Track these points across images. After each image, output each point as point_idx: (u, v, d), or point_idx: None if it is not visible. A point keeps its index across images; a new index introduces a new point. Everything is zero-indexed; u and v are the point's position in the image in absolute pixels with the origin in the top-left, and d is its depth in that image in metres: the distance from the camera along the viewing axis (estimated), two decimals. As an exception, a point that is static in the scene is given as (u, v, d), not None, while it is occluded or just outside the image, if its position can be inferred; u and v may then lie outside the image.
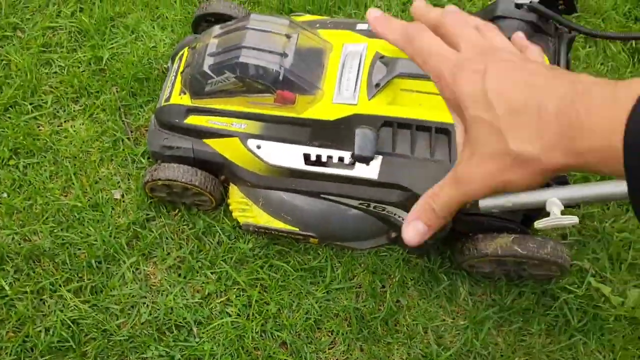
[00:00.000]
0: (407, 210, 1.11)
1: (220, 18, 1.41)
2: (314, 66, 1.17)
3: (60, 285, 1.24)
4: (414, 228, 0.47)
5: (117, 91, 1.42)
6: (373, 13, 0.52)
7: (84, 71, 1.46)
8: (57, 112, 1.42)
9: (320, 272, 1.30)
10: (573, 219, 0.75)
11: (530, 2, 1.21)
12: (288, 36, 1.15)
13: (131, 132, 1.40)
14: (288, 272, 1.29)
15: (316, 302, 1.27)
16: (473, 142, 0.42)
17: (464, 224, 1.22)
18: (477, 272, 1.31)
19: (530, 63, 0.42)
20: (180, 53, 1.34)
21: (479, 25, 0.48)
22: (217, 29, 1.22)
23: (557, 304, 1.30)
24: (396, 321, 1.27)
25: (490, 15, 1.23)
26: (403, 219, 1.22)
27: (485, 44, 0.45)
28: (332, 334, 1.26)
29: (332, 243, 1.32)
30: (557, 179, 1.07)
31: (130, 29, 1.50)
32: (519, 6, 1.22)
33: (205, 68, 1.16)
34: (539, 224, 0.82)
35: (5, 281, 1.23)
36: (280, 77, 1.12)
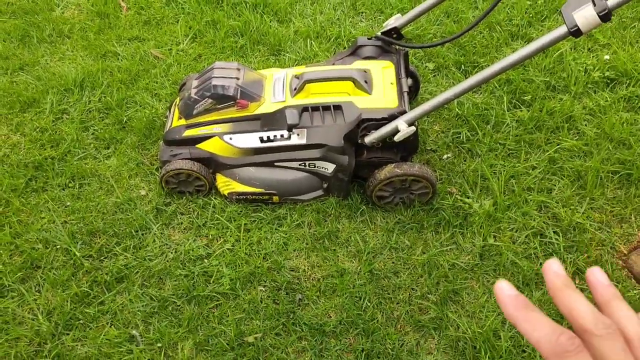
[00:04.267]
0: (326, 160, 1.90)
1: (196, 84, 2.27)
2: (257, 85, 2.01)
3: (113, 246, 1.92)
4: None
5: (135, 137, 2.21)
6: (507, 292, 0.47)
7: (111, 130, 2.25)
8: (96, 156, 2.19)
9: (283, 218, 2.02)
10: (412, 129, 1.66)
11: (376, 35, 2.12)
12: (238, 69, 2.00)
13: (146, 158, 2.17)
14: (262, 219, 2.00)
15: (284, 234, 1.97)
16: None
17: (366, 167, 1.98)
18: (383, 202, 2.04)
19: None
20: (173, 104, 2.17)
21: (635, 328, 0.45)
22: (195, 76, 2.07)
23: (439, 213, 2.02)
24: (336, 237, 1.97)
25: (355, 46, 2.13)
26: (327, 169, 1.98)
27: None
28: (295, 250, 1.94)
29: (287, 199, 2.05)
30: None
31: (139, 103, 2.34)
32: (370, 38, 2.12)
33: (193, 95, 1.98)
34: (397, 137, 1.73)
35: (75, 249, 1.90)
36: (238, 91, 1.94)
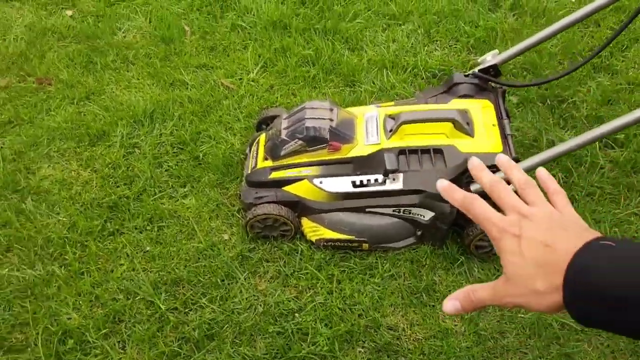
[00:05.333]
0: (424, 207, 1.76)
1: (275, 118, 2.13)
2: (349, 126, 1.88)
3: (199, 298, 1.79)
4: (453, 305, 0.65)
5: (213, 175, 2.09)
6: (441, 184, 0.71)
7: (186, 167, 2.12)
8: (173, 195, 2.06)
9: (374, 267, 1.88)
10: None
11: (473, 72, 1.98)
12: (331, 109, 1.87)
13: (226, 199, 2.04)
14: (352, 269, 1.87)
15: (377, 286, 1.83)
16: (510, 276, 0.62)
17: (464, 214, 1.84)
18: (481, 252, 1.90)
19: (554, 229, 0.62)
20: (255, 141, 2.04)
21: (521, 183, 0.68)
22: (284, 115, 1.94)
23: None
24: (434, 290, 1.83)
25: (450, 83, 1.99)
26: (423, 216, 1.84)
27: (523, 210, 0.64)
28: (391, 305, 1.80)
29: (378, 246, 1.91)
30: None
31: (213, 137, 2.21)
32: (467, 76, 1.98)
33: (283, 136, 1.85)
34: (511, 187, 1.56)
35: (160, 301, 1.77)
36: (331, 133, 1.81)
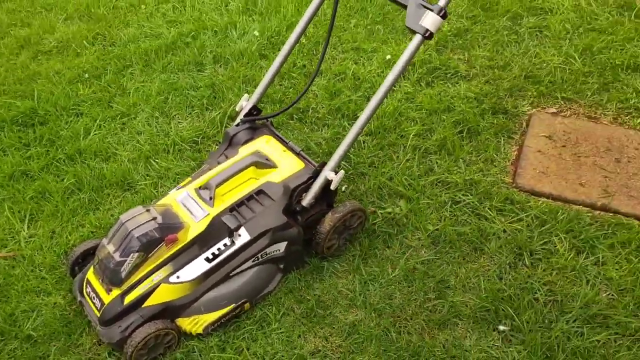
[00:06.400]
0: (276, 242, 1.93)
1: (87, 254, 2.04)
2: (172, 215, 1.93)
3: None
4: None
5: (57, 342, 1.90)
6: None
7: (22, 355, 1.89)
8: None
9: (266, 317, 1.97)
10: (342, 173, 1.80)
11: (241, 119, 2.21)
12: (147, 210, 1.89)
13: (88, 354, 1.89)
14: (249, 330, 1.93)
15: (278, 330, 1.93)
16: None
17: (308, 228, 2.05)
18: (334, 251, 2.14)
19: None
20: (84, 283, 1.93)
21: None
22: (105, 240, 1.88)
23: (379, 233, 2.20)
24: (322, 302, 2.01)
25: (228, 138, 2.18)
26: (279, 250, 2.00)
27: None
28: (299, 336, 1.92)
29: (257, 299, 2.00)
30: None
31: (30, 309, 2.01)
32: (237, 125, 2.21)
33: (117, 258, 1.80)
34: (334, 185, 1.85)
35: None
36: (161, 231, 1.83)
